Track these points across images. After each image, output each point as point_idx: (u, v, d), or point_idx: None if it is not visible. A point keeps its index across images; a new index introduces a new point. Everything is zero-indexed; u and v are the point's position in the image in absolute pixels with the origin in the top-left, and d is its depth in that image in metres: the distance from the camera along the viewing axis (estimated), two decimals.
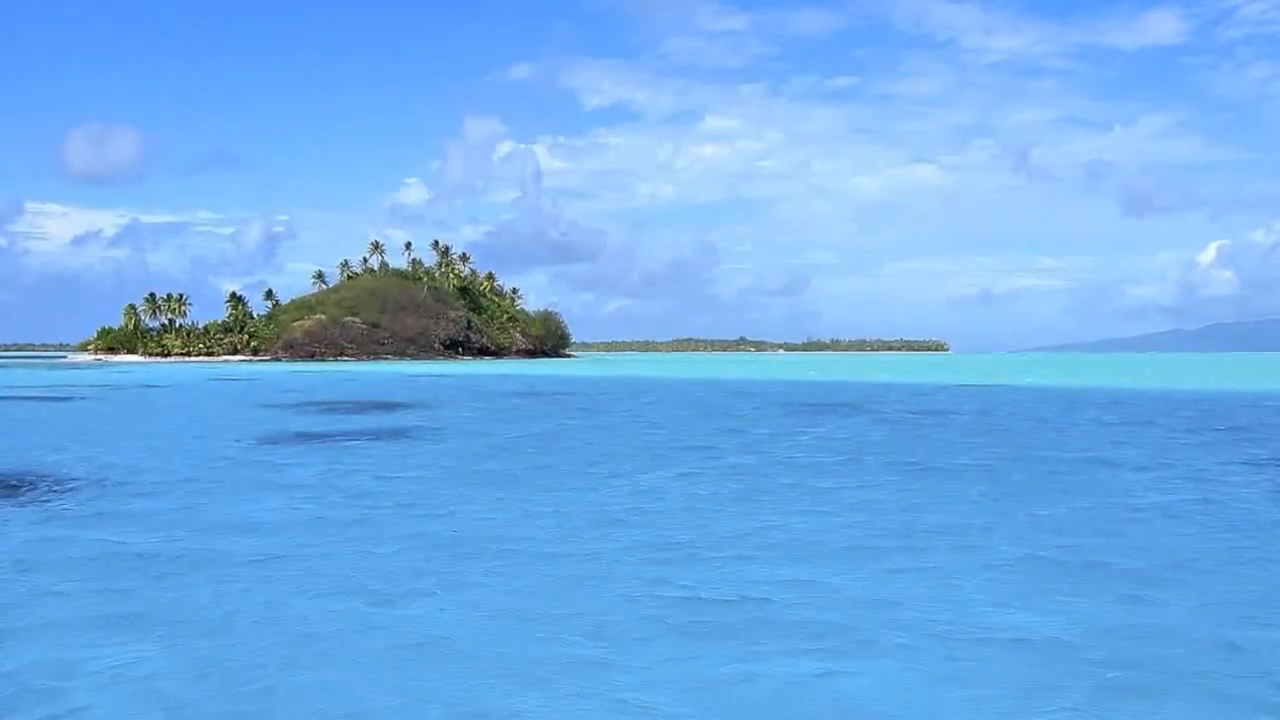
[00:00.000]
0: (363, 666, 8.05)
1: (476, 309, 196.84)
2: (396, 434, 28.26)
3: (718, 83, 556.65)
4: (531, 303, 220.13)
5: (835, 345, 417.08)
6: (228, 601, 9.87)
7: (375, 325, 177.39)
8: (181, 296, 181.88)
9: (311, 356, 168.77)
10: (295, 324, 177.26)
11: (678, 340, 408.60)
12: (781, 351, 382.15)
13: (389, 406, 42.19)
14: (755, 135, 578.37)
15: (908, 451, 23.33)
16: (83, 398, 49.27)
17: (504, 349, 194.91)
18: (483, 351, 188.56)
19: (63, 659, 8.16)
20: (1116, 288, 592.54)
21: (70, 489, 17.50)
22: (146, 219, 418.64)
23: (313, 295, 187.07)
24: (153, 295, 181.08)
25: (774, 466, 20.56)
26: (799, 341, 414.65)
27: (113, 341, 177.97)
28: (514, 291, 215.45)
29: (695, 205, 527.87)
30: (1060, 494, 16.73)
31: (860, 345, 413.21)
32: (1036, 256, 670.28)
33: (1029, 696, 7.34)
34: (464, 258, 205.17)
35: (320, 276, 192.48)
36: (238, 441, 26.15)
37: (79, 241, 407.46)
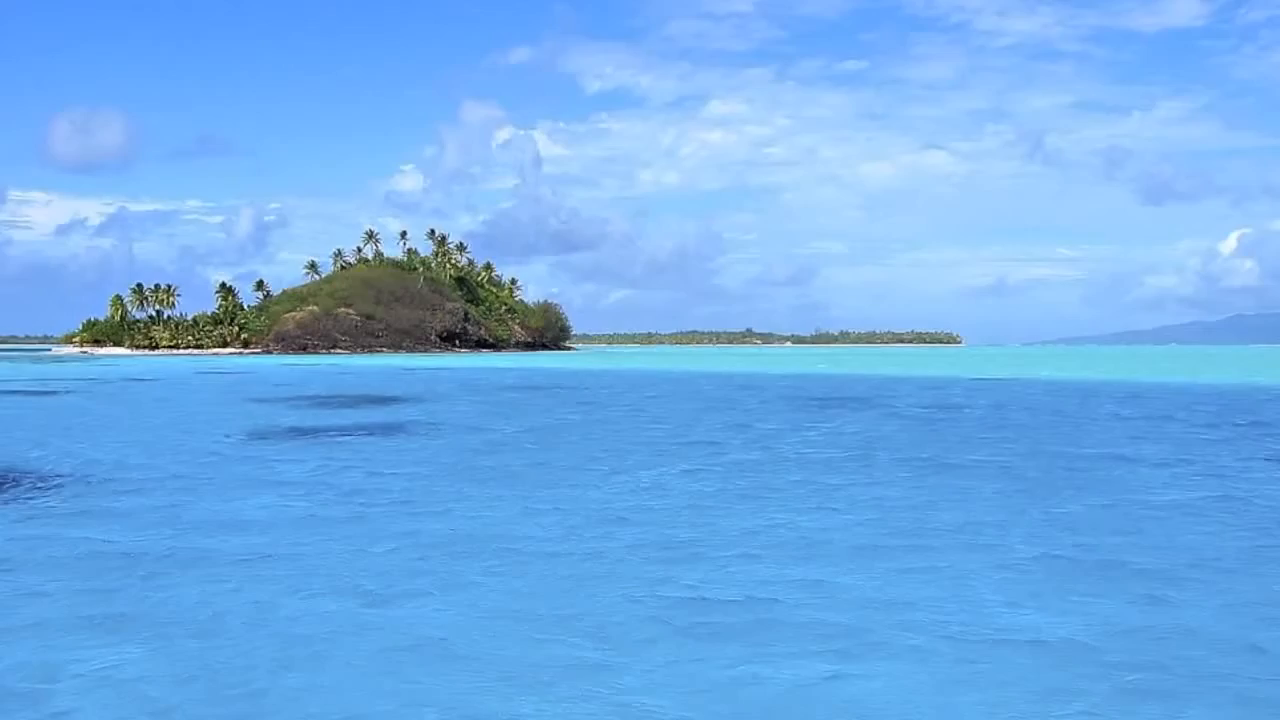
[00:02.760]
0: (356, 669, 8.05)
1: (474, 300, 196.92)
2: (391, 429, 28.27)
3: (723, 66, 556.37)
4: (531, 294, 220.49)
5: (845, 338, 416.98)
6: (217, 602, 9.87)
7: (369, 317, 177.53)
8: (169, 287, 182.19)
9: (304, 349, 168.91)
10: (287, 315, 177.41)
11: (682, 333, 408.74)
12: (789, 344, 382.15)
13: (384, 401, 42.22)
14: (762, 121, 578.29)
15: (920, 447, 23.31)
16: (67, 392, 49.34)
17: (502, 341, 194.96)
18: (480, 344, 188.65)
19: (46, 661, 8.17)
20: (1135, 278, 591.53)
21: (54, 486, 17.52)
22: (134, 207, 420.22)
23: (305, 286, 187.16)
24: (140, 286, 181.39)
25: (781, 463, 20.54)
26: (808, 333, 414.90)
27: (99, 334, 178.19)
28: (513, 282, 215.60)
29: (700, 193, 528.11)
30: (1077, 491, 16.71)
31: (871, 337, 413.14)
32: (1052, 246, 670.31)
33: (1045, 699, 7.33)
34: (461, 247, 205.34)
35: (313, 267, 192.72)
36: (227, 437, 26.17)
37: (64, 230, 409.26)
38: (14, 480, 18.09)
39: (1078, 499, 15.87)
